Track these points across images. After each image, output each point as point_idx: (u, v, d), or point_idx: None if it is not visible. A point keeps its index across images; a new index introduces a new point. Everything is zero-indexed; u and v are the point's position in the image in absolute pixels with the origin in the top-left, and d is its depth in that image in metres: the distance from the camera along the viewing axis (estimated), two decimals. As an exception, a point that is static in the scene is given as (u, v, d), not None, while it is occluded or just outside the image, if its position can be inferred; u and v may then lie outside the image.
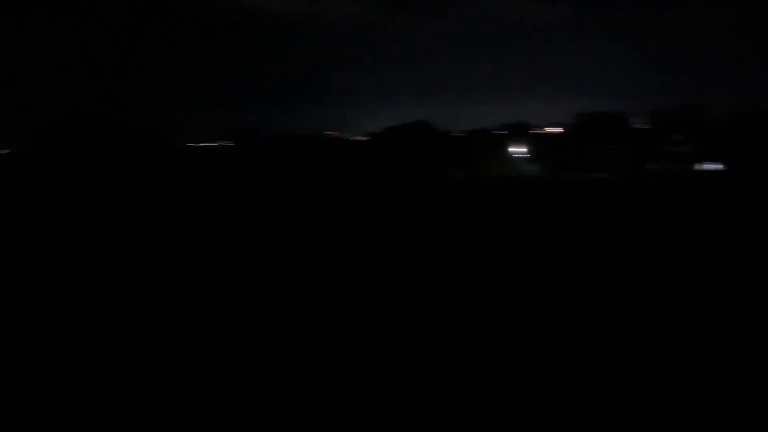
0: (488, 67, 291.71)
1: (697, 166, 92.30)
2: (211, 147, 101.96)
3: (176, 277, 14.34)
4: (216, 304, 11.48)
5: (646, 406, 6.66)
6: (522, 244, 18.94)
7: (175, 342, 9.16)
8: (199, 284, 13.39)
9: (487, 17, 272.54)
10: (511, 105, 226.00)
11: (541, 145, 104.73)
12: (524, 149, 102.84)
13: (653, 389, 7.06)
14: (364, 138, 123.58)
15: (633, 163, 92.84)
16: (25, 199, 39.23)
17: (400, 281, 13.57)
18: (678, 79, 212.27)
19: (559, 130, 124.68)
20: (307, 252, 17.67)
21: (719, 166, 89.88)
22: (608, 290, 12.33)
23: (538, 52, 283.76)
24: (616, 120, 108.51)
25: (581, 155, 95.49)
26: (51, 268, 15.59)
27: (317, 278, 13.95)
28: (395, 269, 15.09)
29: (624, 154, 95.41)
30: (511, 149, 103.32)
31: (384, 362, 7.95)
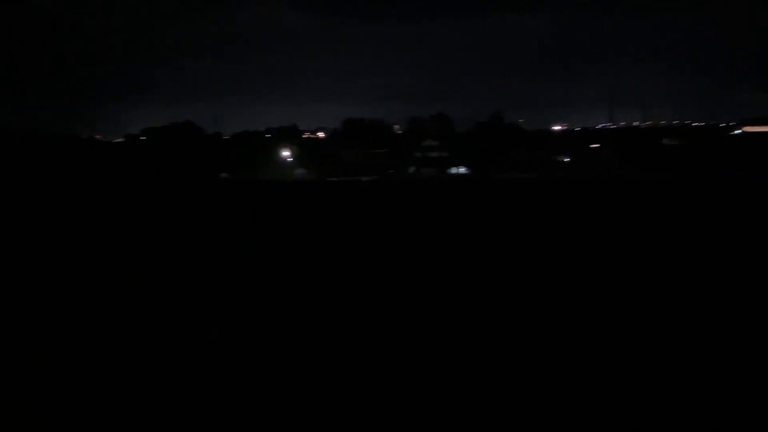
0: (253, 70, 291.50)
1: (449, 170, 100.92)
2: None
3: None
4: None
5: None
6: (290, 246, 19.59)
7: None
8: None
9: (250, 20, 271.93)
10: (281, 109, 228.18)
11: (309, 148, 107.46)
12: (291, 153, 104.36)
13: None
14: (121, 140, 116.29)
15: (394, 166, 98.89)
16: None
17: (170, 287, 13.42)
18: (433, 89, 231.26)
19: (323, 134, 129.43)
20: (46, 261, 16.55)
21: (465, 170, 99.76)
22: (380, 290, 13.19)
23: (305, 58, 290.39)
24: (377, 126, 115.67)
25: (346, 159, 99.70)
26: None
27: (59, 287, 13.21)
28: (162, 275, 14.83)
29: (386, 158, 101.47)
30: (280, 152, 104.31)
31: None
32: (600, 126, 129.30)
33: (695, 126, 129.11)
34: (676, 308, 11.09)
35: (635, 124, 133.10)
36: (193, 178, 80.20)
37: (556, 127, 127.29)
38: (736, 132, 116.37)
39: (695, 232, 22.42)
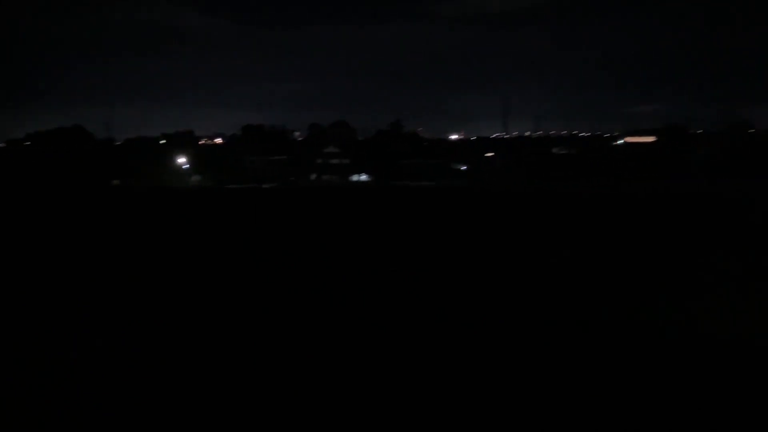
0: (148, 74, 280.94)
1: (350, 177, 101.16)
2: None
3: None
4: None
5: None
6: (182, 255, 18.82)
7: None
8: None
9: (146, 22, 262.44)
10: (178, 114, 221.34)
11: (206, 155, 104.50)
12: (188, 159, 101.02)
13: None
14: (2, 145, 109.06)
15: (295, 173, 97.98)
16: None
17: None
18: (334, 96, 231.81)
19: (221, 140, 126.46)
20: None
21: (366, 177, 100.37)
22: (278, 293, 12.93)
23: (204, 62, 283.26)
24: (278, 132, 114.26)
25: (245, 166, 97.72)
26: None
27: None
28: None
29: (286, 165, 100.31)
30: (175, 159, 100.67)
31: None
32: (495, 135, 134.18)
33: (583, 136, 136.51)
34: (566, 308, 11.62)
35: (527, 134, 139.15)
36: (82, 185, 76.01)
37: (454, 136, 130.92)
38: (619, 142, 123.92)
39: (577, 235, 23.51)
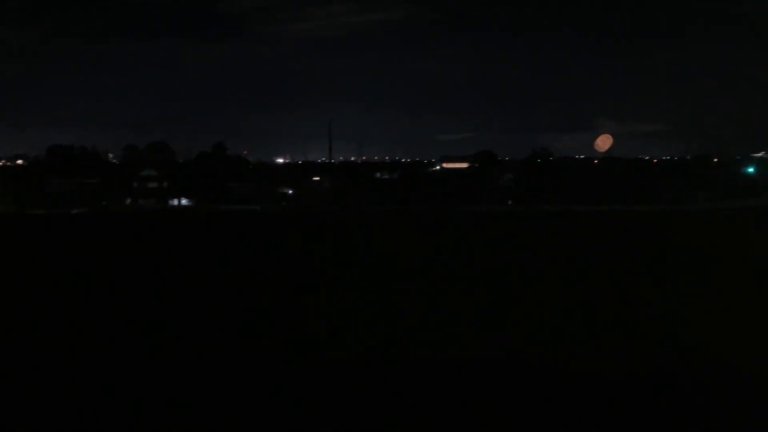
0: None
1: (169, 202, 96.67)
2: None
3: None
4: None
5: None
6: None
7: None
8: None
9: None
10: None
11: (4, 178, 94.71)
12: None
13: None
14: None
15: (108, 197, 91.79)
16: None
17: None
18: (152, 117, 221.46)
19: (23, 162, 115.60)
20: None
21: (187, 202, 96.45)
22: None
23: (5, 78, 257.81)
24: (88, 154, 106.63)
25: (51, 189, 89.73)
26: None
27: None
28: None
29: (98, 188, 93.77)
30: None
31: None
32: (321, 160, 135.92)
33: (404, 162, 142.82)
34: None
35: (352, 158, 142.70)
36: None
37: (280, 160, 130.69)
38: (437, 168, 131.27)
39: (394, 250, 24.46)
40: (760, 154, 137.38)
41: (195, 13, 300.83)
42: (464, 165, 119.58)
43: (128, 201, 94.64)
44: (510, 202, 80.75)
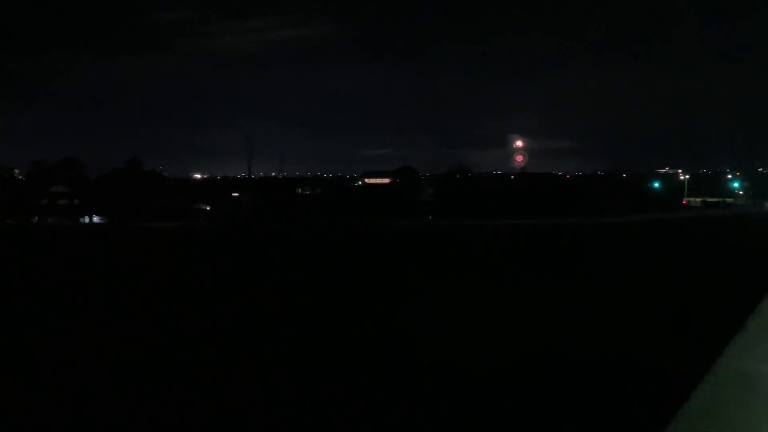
0: None
1: (81, 219, 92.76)
2: None
3: None
4: None
5: None
6: None
7: None
8: None
9: None
10: None
11: None
12: None
13: None
14: None
15: (14, 215, 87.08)
16: None
17: None
18: (62, 131, 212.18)
19: None
20: None
21: (100, 219, 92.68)
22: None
23: None
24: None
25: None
26: None
27: None
28: None
29: (3, 206, 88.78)
30: None
31: None
32: (240, 175, 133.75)
33: (326, 177, 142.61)
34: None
35: (273, 174, 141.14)
36: None
37: (198, 176, 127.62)
38: (359, 183, 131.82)
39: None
40: (664, 170, 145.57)
41: (110, 27, 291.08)
42: (386, 180, 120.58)
43: (35, 219, 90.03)
44: (431, 217, 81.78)
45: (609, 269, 22.94)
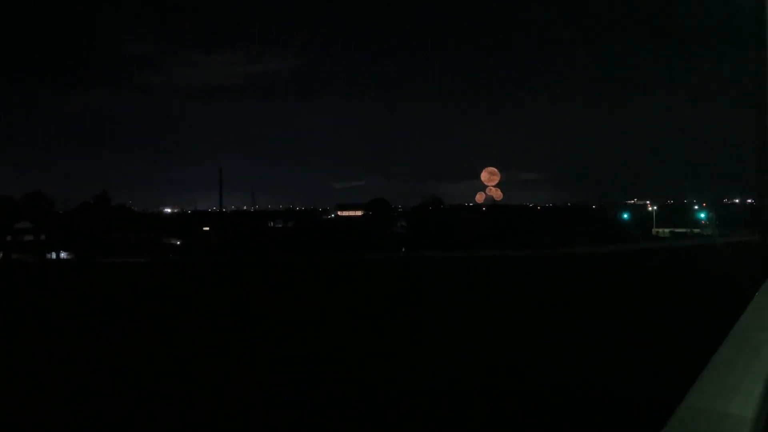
0: None
1: (47, 255, 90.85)
2: None
3: None
4: None
5: None
6: None
7: None
8: None
9: None
10: None
11: None
12: None
13: None
14: None
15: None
16: None
17: None
18: (29, 166, 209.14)
19: None
20: None
21: (67, 255, 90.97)
22: None
23: None
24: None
25: None
26: None
27: None
28: None
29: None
30: None
31: None
32: (212, 209, 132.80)
33: (299, 210, 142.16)
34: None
35: (244, 208, 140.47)
36: None
37: (168, 210, 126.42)
38: (332, 216, 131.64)
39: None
40: (632, 201, 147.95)
41: (77, 60, 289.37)
42: (359, 213, 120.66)
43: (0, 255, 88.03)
44: (403, 249, 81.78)
45: (574, 297, 23.07)
